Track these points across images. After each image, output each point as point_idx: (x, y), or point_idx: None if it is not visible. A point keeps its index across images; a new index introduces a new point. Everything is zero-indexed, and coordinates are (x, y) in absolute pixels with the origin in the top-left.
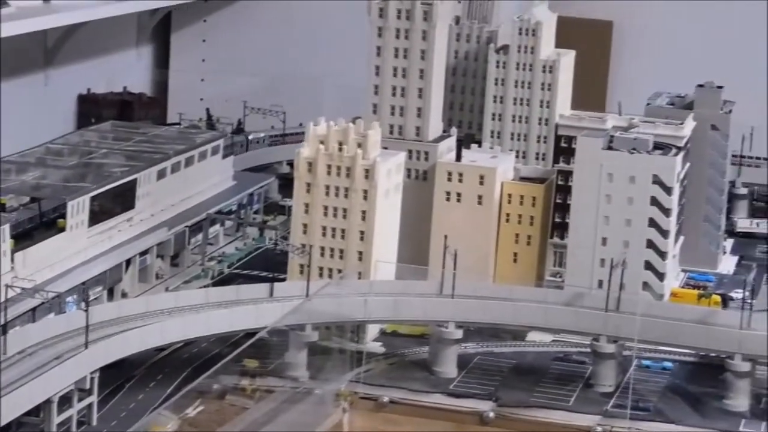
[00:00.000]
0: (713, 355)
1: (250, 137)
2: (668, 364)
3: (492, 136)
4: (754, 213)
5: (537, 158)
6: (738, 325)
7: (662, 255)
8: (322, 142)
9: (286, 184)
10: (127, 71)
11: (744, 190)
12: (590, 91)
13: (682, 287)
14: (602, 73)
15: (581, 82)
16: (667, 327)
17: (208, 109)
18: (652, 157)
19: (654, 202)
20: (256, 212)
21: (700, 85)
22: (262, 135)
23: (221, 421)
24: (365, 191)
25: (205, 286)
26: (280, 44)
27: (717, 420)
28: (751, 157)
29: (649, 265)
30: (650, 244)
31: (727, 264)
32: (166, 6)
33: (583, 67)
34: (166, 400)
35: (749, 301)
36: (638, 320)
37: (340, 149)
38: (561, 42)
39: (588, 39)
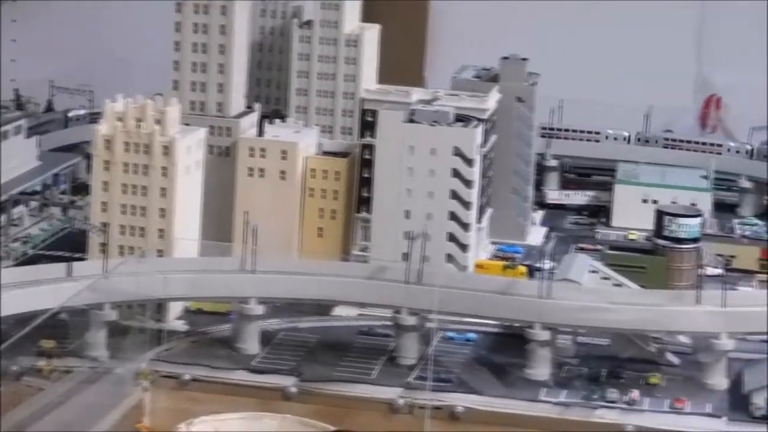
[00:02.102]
0: (517, 326)
1: (69, 115)
2: (472, 336)
3: (298, 112)
4: (564, 185)
5: (344, 133)
6: (537, 295)
7: (465, 227)
8: (120, 119)
9: None
10: None
11: (554, 162)
12: (408, 67)
13: (491, 259)
14: (419, 49)
15: (399, 58)
16: (468, 298)
17: (16, 90)
18: (451, 129)
19: (455, 174)
20: (62, 192)
21: (505, 58)
22: (81, 113)
23: (18, 403)
24: (164, 168)
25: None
26: (93, 24)
27: (519, 389)
28: (560, 129)
29: (452, 237)
30: (453, 216)
31: (536, 235)
32: None
33: (400, 43)
34: None
35: (549, 270)
36: (437, 292)
37: (138, 126)
38: (378, 19)
39: (405, 16)
